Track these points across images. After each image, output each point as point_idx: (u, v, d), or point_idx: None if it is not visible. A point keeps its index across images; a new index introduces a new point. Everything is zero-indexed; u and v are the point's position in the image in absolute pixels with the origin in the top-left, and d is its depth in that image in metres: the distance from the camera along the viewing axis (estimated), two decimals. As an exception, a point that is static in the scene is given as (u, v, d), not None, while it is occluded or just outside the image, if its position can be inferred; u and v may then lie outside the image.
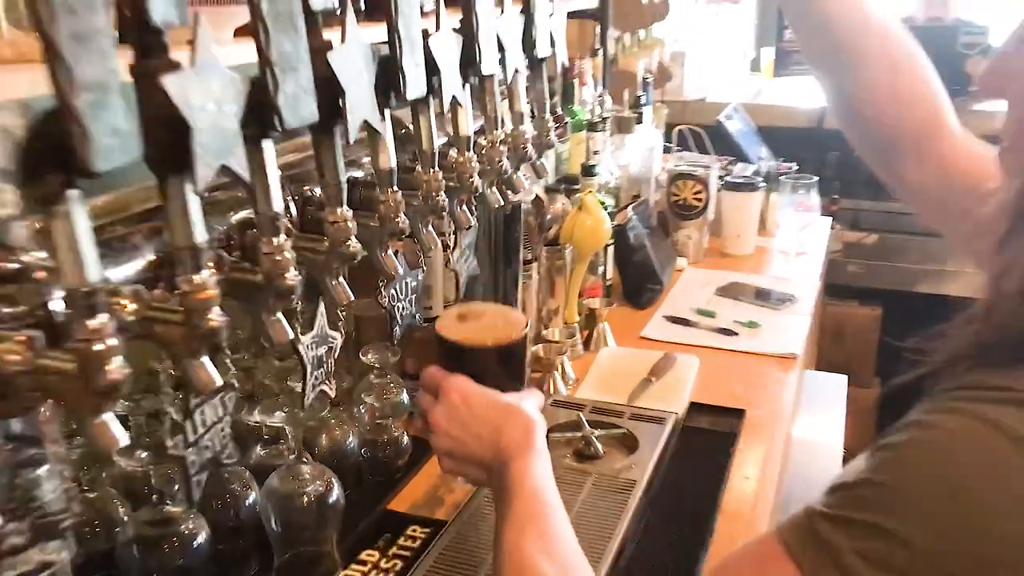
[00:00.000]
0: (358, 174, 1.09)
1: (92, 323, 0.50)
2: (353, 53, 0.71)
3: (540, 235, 1.65)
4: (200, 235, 0.57)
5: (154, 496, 1.00)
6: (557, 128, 1.25)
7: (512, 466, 0.91)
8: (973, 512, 0.58)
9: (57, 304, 0.58)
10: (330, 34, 0.72)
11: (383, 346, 1.32)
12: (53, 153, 0.46)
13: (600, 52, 2.51)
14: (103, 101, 0.46)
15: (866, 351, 3.29)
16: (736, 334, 1.91)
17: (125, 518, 1.02)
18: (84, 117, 0.45)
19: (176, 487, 1.00)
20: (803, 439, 1.88)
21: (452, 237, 1.29)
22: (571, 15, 2.34)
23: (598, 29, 2.55)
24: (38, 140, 0.45)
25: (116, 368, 0.51)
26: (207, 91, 0.54)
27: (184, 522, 1.01)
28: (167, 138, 0.53)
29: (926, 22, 3.66)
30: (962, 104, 1.11)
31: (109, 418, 0.52)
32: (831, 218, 2.91)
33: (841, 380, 2.30)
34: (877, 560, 0.59)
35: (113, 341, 0.51)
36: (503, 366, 1.03)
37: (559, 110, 1.29)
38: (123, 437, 0.53)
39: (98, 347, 0.50)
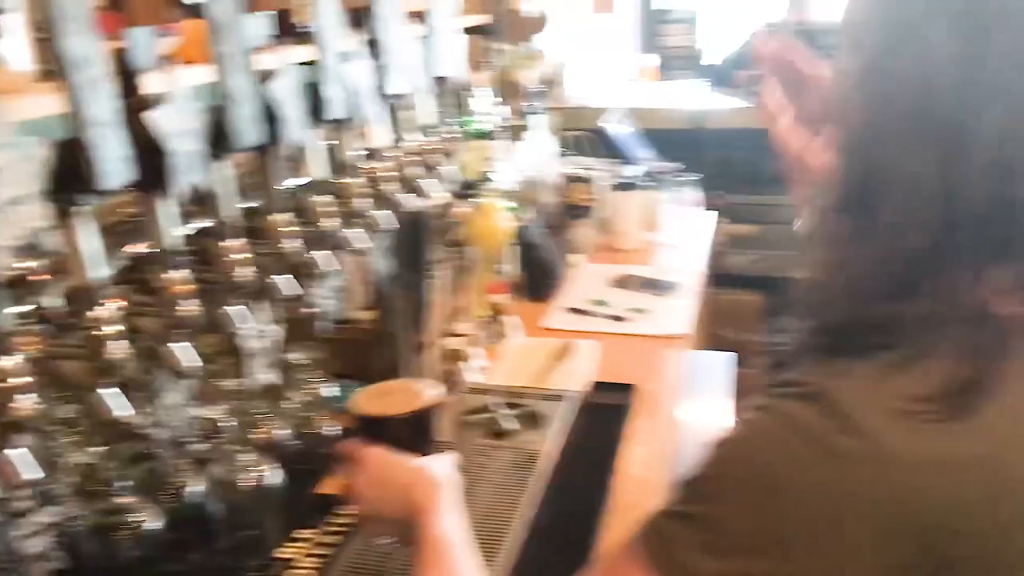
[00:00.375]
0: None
1: (99, 312, 0.61)
2: (288, 83, 0.83)
3: (445, 237, 1.79)
4: (173, 239, 0.69)
5: (107, 487, 1.09)
6: (458, 138, 1.39)
7: (421, 521, 1.01)
8: (768, 499, 0.64)
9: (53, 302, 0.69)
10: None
11: (309, 344, 1.44)
12: (69, 176, 0.58)
13: (490, 65, 2.66)
14: (106, 134, 0.58)
15: (754, 336, 3.52)
16: (628, 319, 2.08)
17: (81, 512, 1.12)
18: (94, 147, 0.57)
19: (123, 483, 1.10)
20: (694, 421, 2.05)
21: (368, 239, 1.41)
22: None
23: (486, 43, 2.69)
24: (57, 166, 0.57)
25: (118, 349, 0.63)
26: (178, 122, 0.67)
27: (137, 511, 1.11)
28: (148, 161, 0.65)
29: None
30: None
31: (114, 392, 0.64)
32: (715, 212, 3.13)
33: (730, 357, 2.50)
34: (706, 546, 0.64)
35: (116, 327, 0.62)
36: (414, 433, 1.13)
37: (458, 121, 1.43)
38: (125, 408, 0.65)
39: (105, 331, 0.61)
